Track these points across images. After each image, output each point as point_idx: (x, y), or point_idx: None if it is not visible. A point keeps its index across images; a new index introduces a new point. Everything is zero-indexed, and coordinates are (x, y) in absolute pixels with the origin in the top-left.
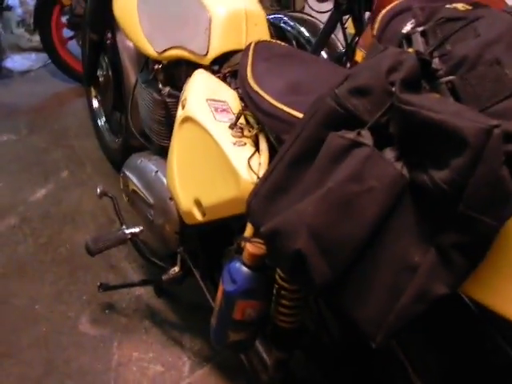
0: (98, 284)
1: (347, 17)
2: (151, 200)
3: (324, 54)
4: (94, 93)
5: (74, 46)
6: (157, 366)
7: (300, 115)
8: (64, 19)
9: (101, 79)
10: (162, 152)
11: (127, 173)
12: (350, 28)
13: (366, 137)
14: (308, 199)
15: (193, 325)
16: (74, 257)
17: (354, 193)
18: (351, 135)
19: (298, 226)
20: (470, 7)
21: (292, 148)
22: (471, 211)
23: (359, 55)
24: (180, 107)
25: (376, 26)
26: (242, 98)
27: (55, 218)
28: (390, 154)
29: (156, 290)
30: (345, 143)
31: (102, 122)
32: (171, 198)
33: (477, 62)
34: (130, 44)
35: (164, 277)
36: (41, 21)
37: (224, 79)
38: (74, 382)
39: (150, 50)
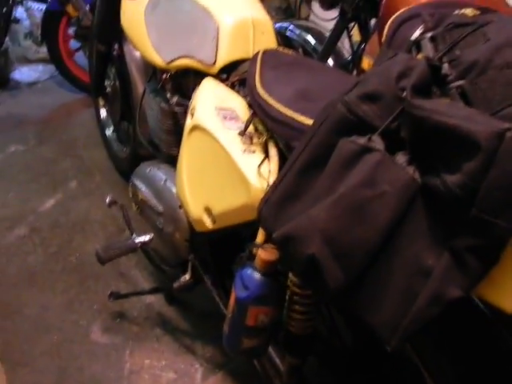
0: (109, 293)
1: (353, 24)
2: (160, 208)
3: (330, 61)
4: (101, 103)
5: (80, 57)
6: (169, 373)
7: (309, 122)
8: (71, 31)
9: (108, 90)
10: (171, 161)
11: (136, 182)
12: (356, 36)
13: (377, 142)
14: (320, 205)
15: (204, 332)
16: (84, 266)
17: (367, 198)
18: (362, 141)
19: (310, 231)
20: (478, 12)
21: (302, 155)
22: (484, 214)
23: (366, 62)
24: (189, 116)
25: (385, 32)
26: (250, 106)
27: (64, 228)
28: (401, 158)
29: (167, 297)
30: (356, 149)
31: (109, 131)
32: (181, 206)
33: (487, 67)
34: (138, 54)
35: (175, 284)
36: (48, 33)
37: (232, 87)
38: None
39: (158, 60)
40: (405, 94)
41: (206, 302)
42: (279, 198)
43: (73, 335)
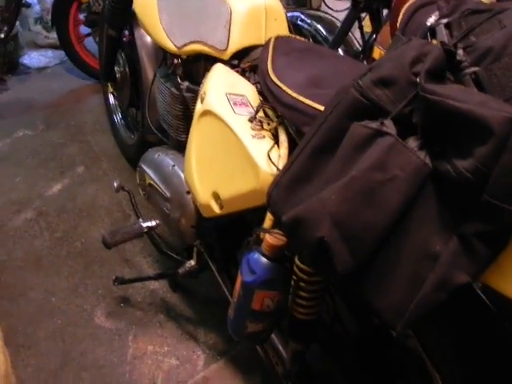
0: (113, 278)
1: (364, 15)
2: (168, 194)
3: (340, 52)
4: (110, 89)
5: (90, 43)
6: (171, 359)
7: (321, 108)
8: (81, 16)
9: (118, 75)
10: (179, 147)
11: (144, 167)
12: (367, 26)
13: (390, 126)
14: (331, 187)
15: (207, 319)
16: (89, 251)
17: (378, 181)
18: (374, 125)
19: (320, 214)
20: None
21: (314, 138)
22: (495, 200)
23: (377, 53)
24: (199, 101)
25: (399, 18)
26: (260, 93)
27: (71, 213)
28: (413, 143)
29: (171, 284)
30: (368, 132)
31: (118, 118)
32: (188, 192)
33: (502, 53)
34: (148, 40)
35: (180, 270)
36: (58, 18)
37: (243, 74)
38: (89, 374)
39: (170, 45)
40: (418, 78)
41: (209, 290)
42: (289, 181)
43: (77, 319)
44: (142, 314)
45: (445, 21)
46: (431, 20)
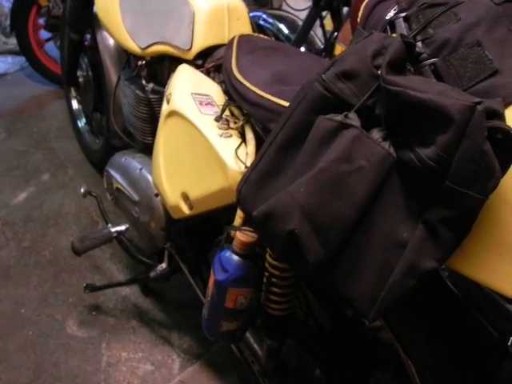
0: (84, 285)
1: (325, 13)
2: (136, 197)
3: (303, 50)
4: (73, 94)
5: (51, 47)
6: (146, 364)
7: (286, 104)
8: (41, 21)
9: (81, 80)
10: (146, 149)
11: (111, 171)
12: (329, 24)
13: (354, 119)
14: (299, 180)
15: (181, 323)
16: (58, 259)
17: (344, 172)
18: (339, 117)
19: (290, 207)
20: None
21: (281, 133)
22: (457, 186)
23: (338, 50)
24: (165, 102)
25: (360, 13)
26: (226, 92)
27: (38, 221)
28: (377, 134)
29: (143, 289)
30: (333, 125)
31: (82, 123)
32: (157, 195)
33: (458, 45)
34: (111, 42)
35: (152, 274)
36: (17, 23)
37: (207, 74)
38: None
39: (134, 47)
40: (380, 71)
41: (181, 293)
42: (258, 177)
43: (48, 330)
44: (114, 320)
45: (403, 14)
46: (390, 14)
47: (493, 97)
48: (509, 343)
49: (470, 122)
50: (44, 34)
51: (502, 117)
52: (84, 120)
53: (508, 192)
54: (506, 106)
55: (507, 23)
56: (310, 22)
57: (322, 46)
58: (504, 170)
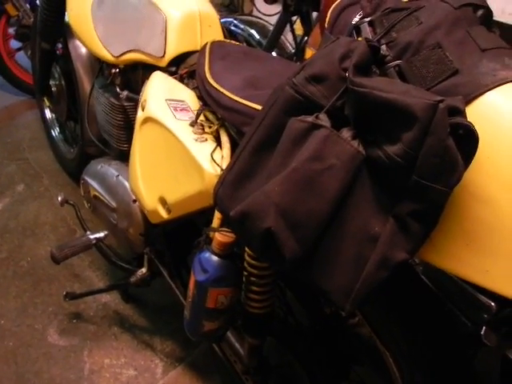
0: (64, 293)
1: (295, 18)
2: (114, 204)
3: (274, 54)
4: (46, 104)
5: (22, 57)
6: (129, 370)
7: (259, 107)
8: (11, 30)
9: (53, 89)
10: (122, 156)
11: (87, 179)
12: (299, 29)
13: (324, 119)
14: (274, 180)
15: (162, 327)
16: (36, 269)
17: (316, 171)
18: (310, 119)
19: (266, 206)
20: None
21: (254, 136)
22: (423, 180)
23: (309, 54)
24: (140, 109)
25: (327, 19)
26: (200, 98)
27: (14, 232)
28: (346, 133)
29: (123, 295)
30: (305, 126)
31: (56, 132)
32: (134, 201)
33: (420, 47)
34: (83, 51)
35: (132, 279)
36: None
37: (181, 80)
38: None
39: (107, 55)
40: (347, 73)
41: (161, 298)
42: (234, 179)
43: (29, 339)
44: (95, 328)
45: (368, 19)
46: (356, 19)
47: (454, 95)
48: (482, 333)
49: (433, 119)
50: (14, 44)
51: (463, 113)
52: (58, 129)
53: (471, 184)
54: (467, 103)
55: (465, 26)
56: (280, 27)
57: (293, 51)
58: (467, 164)
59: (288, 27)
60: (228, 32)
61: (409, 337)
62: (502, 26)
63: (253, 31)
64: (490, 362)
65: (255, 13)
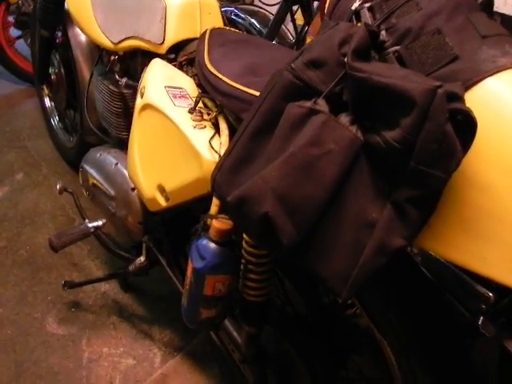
0: (63, 282)
1: (296, 7)
2: (112, 192)
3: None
4: (45, 92)
5: (21, 45)
6: (128, 359)
7: (257, 94)
8: (11, 18)
9: (53, 77)
10: (121, 144)
11: (86, 167)
12: (299, 19)
13: (322, 105)
14: (272, 165)
15: (161, 316)
16: (35, 258)
17: (315, 156)
18: (308, 104)
19: (263, 191)
20: None
21: (253, 121)
22: (422, 166)
23: None
24: (139, 96)
25: (327, 5)
26: (199, 85)
27: (13, 221)
28: (344, 119)
29: (122, 284)
30: (303, 111)
31: (55, 121)
32: (133, 189)
33: (420, 33)
34: (83, 38)
35: (130, 268)
36: None
37: (180, 67)
38: (45, 383)
39: (106, 42)
40: (346, 58)
41: (160, 287)
42: (232, 164)
43: (28, 328)
44: (94, 317)
45: (368, 5)
46: (356, 5)
47: (453, 81)
48: (479, 323)
49: (431, 104)
50: (14, 32)
51: (462, 99)
52: (57, 118)
53: (470, 171)
54: (466, 89)
55: (466, 12)
56: (281, 17)
57: (294, 40)
58: (465, 150)
59: (289, 17)
60: (229, 21)
61: (407, 327)
62: (504, 17)
63: (253, 20)
64: (488, 352)
65: (256, 2)
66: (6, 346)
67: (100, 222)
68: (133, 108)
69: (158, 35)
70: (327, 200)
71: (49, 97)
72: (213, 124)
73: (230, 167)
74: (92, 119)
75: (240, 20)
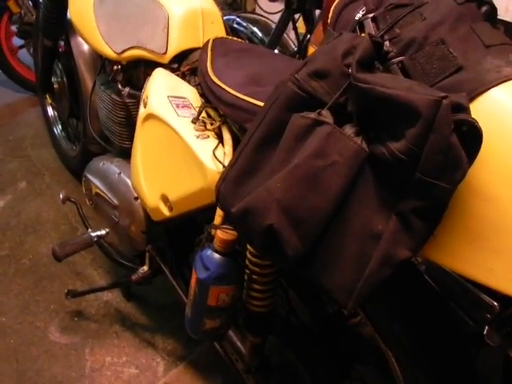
0: (66, 291)
1: (298, 16)
2: (116, 201)
3: (277, 52)
4: (48, 101)
5: (24, 54)
6: (131, 368)
7: (261, 104)
8: (13, 28)
9: (56, 86)
10: (124, 154)
11: (89, 176)
12: (301, 27)
13: (327, 116)
14: (276, 176)
15: (164, 325)
16: (38, 267)
17: (319, 167)
18: (313, 115)
19: (268, 202)
20: None
21: (257, 132)
22: (427, 177)
23: (312, 52)
24: (141, 105)
25: (330, 15)
26: (202, 94)
27: (16, 230)
28: (349, 130)
29: (125, 293)
30: (307, 122)
31: (58, 130)
32: (136, 198)
33: (424, 43)
34: (85, 48)
35: (133, 277)
36: None
37: (183, 77)
38: None
39: (109, 52)
40: (350, 69)
41: (163, 296)
42: (236, 175)
43: (30, 337)
44: (97, 326)
45: (371, 15)
46: (359, 15)
47: (458, 92)
48: (484, 332)
49: (436, 115)
50: (17, 41)
51: (467, 110)
52: (60, 127)
53: (475, 182)
54: (471, 99)
55: (469, 22)
56: (282, 25)
57: (296, 49)
58: (471, 161)
59: (291, 25)
60: (231, 30)
61: (411, 336)
62: (506, 24)
63: (255, 29)
64: (492, 361)
65: (258, 11)
66: (8, 355)
67: (103, 231)
68: (135, 117)
69: (161, 45)
70: (332, 211)
71: (51, 106)
72: (216, 134)
73: (235, 178)
74: (95, 128)
75: (242, 29)
